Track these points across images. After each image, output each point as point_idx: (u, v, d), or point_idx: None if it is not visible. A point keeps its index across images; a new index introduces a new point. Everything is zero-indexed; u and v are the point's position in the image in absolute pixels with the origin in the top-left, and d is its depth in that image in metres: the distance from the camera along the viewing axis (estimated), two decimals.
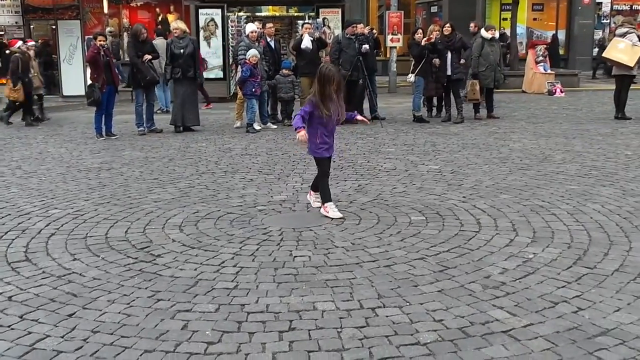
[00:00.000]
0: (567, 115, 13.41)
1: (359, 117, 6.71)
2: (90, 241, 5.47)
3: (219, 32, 17.28)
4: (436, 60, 12.23)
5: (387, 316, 3.85)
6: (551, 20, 26.69)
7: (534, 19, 26.59)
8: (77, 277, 4.62)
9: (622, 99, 12.53)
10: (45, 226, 5.94)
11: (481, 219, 5.87)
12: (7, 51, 13.79)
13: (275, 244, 5.26)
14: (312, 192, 6.40)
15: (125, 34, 22.70)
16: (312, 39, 12.75)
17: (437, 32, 12.51)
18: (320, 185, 6.21)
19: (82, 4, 20.52)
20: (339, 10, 18.26)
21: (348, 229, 5.63)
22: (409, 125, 12.33)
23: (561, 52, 25.82)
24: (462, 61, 12.69)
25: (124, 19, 23.85)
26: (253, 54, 11.62)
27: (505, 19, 24.11)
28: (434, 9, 25.94)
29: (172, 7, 23.53)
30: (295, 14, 18.81)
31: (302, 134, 5.93)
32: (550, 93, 17.65)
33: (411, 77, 12.52)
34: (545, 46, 19.72)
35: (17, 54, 13.25)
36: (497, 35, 13.15)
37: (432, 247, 5.12)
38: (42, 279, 4.61)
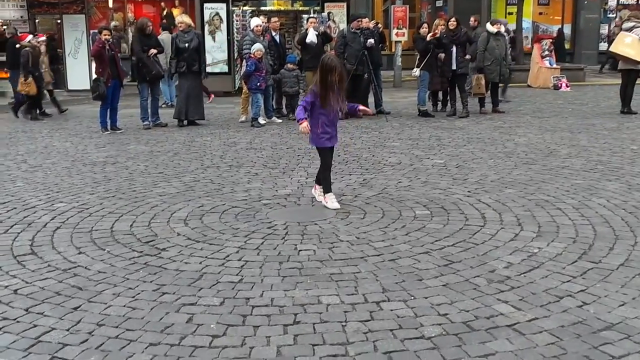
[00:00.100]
0: (573, 110, 13.37)
1: (361, 108, 6.68)
2: (95, 235, 5.48)
3: (223, 26, 17.24)
4: (441, 55, 12.20)
5: (391, 310, 3.85)
6: (557, 14, 26.58)
7: (540, 13, 26.48)
8: (83, 271, 4.63)
9: (628, 94, 12.48)
10: (51, 220, 5.96)
11: (486, 213, 5.86)
12: (18, 45, 13.81)
13: (280, 238, 5.27)
14: (317, 186, 6.40)
15: (129, 28, 22.69)
16: (317, 33, 12.74)
17: (443, 27, 12.48)
18: (322, 176, 6.23)
19: None
20: (344, 4, 18.23)
21: (353, 223, 5.63)
22: (414, 120, 12.32)
23: (567, 46, 25.71)
24: (468, 57, 12.65)
25: (129, 13, 23.84)
26: (258, 48, 11.61)
27: (510, 13, 23.99)
28: (439, 3, 25.83)
29: (177, 1, 23.47)
30: (301, 8, 18.76)
31: (305, 125, 5.94)
32: (556, 87, 17.60)
33: (416, 72, 12.50)
34: (551, 40, 19.63)
35: (27, 48, 13.29)
36: (502, 29, 13.10)
37: (436, 241, 5.12)
38: (48, 272, 4.63)
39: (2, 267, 4.74)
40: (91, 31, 18.04)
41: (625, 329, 3.56)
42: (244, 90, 12.52)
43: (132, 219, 5.93)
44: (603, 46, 24.79)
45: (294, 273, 4.49)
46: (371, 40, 12.56)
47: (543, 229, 5.35)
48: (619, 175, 7.25)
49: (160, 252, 5.01)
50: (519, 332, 3.54)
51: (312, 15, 16.19)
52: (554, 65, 18.72)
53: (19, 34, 15.57)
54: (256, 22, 12.44)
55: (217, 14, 17.21)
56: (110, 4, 23.33)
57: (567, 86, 17.61)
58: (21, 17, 21.87)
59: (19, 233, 5.58)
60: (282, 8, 19.52)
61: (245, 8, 18.39)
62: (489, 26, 12.87)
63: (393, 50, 20.29)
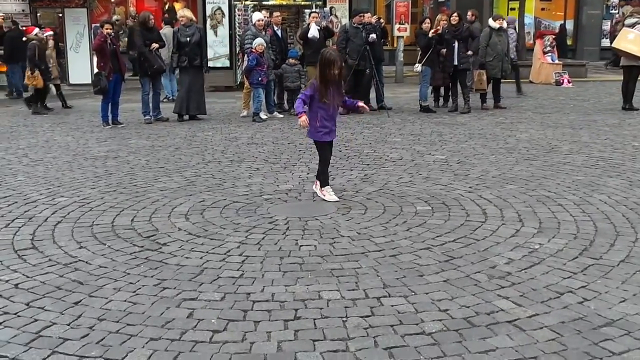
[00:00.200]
0: (575, 106, 13.35)
1: (360, 104, 6.68)
2: (96, 229, 5.48)
3: (225, 20, 17.21)
4: (443, 51, 12.19)
5: (392, 305, 3.85)
6: (559, 10, 26.53)
7: (542, 9, 26.44)
8: (83, 265, 4.64)
9: (630, 90, 12.45)
10: (52, 214, 5.96)
11: (487, 209, 5.86)
12: (24, 38, 13.79)
13: (281, 233, 5.27)
14: (317, 181, 6.40)
15: (129, 22, 22.65)
16: (319, 28, 12.71)
17: (445, 22, 12.45)
18: (320, 170, 6.23)
19: None
20: None
21: (354, 219, 5.63)
22: (415, 115, 12.30)
23: (569, 42, 25.68)
24: (470, 52, 12.63)
25: (131, 7, 23.81)
26: (259, 42, 11.58)
27: (513, 9, 23.96)
28: None
29: None
30: (303, 3, 18.68)
31: (304, 119, 5.95)
32: (558, 83, 17.57)
33: (418, 67, 12.48)
34: (553, 36, 19.60)
35: (34, 42, 13.28)
36: (505, 25, 13.06)
37: (437, 237, 5.12)
38: (49, 266, 4.63)
39: (3, 262, 4.74)
40: (93, 25, 18.02)
41: (625, 325, 3.56)
42: (245, 85, 12.51)
43: (133, 214, 5.93)
44: (605, 42, 24.73)
45: (295, 268, 4.49)
46: (373, 35, 12.54)
47: (544, 225, 5.35)
48: (620, 172, 7.24)
49: (161, 247, 5.01)
50: (519, 328, 3.54)
51: (314, 10, 16.16)
52: (556, 61, 18.69)
53: (24, 28, 15.55)
54: (258, 16, 12.39)
55: (219, 8, 17.18)
56: None
57: (568, 82, 17.58)
58: (23, 10, 21.84)
59: (19, 227, 5.58)
60: (284, 2, 19.45)
61: (247, 2, 18.33)
62: (491, 22, 12.85)
63: (395, 45, 20.25)
